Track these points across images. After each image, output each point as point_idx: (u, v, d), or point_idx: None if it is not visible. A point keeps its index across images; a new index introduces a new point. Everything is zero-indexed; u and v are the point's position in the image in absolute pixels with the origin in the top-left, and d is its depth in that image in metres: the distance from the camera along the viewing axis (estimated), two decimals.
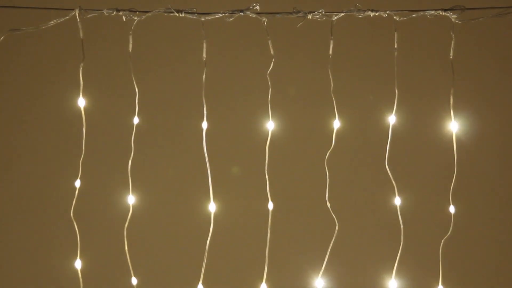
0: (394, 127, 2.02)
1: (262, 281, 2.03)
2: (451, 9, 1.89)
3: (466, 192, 3.05)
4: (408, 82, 3.08)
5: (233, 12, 1.89)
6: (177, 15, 1.88)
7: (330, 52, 1.99)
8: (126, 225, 2.04)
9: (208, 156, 1.96)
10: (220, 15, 1.90)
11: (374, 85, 3.10)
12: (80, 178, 1.99)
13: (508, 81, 3.13)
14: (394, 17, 1.92)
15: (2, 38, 1.87)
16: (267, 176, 1.99)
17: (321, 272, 2.10)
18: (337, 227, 2.03)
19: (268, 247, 2.01)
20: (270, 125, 1.99)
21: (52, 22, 1.88)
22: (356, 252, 3.09)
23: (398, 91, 1.99)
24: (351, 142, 3.06)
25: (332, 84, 1.98)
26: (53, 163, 3.11)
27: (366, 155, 3.11)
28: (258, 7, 1.88)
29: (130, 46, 1.97)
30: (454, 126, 1.97)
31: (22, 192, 3.12)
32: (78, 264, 2.02)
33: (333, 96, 2.00)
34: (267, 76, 1.96)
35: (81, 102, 1.93)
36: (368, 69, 3.13)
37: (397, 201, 2.05)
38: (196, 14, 1.89)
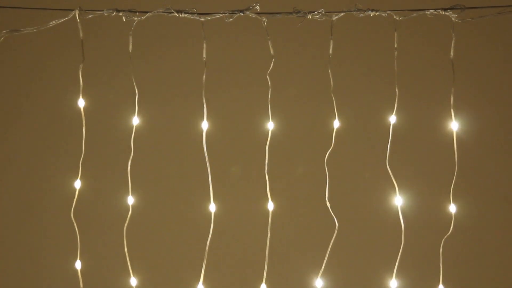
0: (394, 127, 2.02)
1: (262, 281, 2.03)
2: (451, 8, 1.89)
3: (466, 192, 3.04)
4: (408, 82, 3.08)
5: (233, 12, 1.89)
6: (177, 15, 1.88)
7: (330, 52, 1.99)
8: (126, 225, 2.04)
9: (208, 156, 1.96)
10: (220, 15, 1.90)
11: (374, 85, 3.10)
12: (80, 178, 1.99)
13: (508, 81, 3.13)
14: (394, 17, 1.92)
15: (2, 38, 1.87)
16: (267, 176, 1.99)
17: (321, 272, 2.09)
18: (337, 227, 2.03)
19: (268, 247, 2.01)
20: (270, 125, 1.99)
21: (52, 23, 1.88)
22: (356, 252, 3.09)
23: (398, 91, 1.99)
24: (351, 142, 3.06)
25: (332, 84, 1.98)
26: (53, 163, 3.11)
27: (366, 155, 3.11)
28: (258, 7, 1.88)
29: (130, 46, 1.97)
30: (454, 125, 1.97)
31: (22, 192, 3.12)
32: (78, 264, 2.02)
33: (333, 96, 2.00)
34: (267, 76, 1.96)
35: (81, 102, 1.93)
36: (368, 69, 3.13)
37: (398, 200, 2.05)
38: (196, 14, 1.89)
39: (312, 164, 3.07)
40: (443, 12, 1.90)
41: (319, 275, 2.10)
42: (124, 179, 2.06)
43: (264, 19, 1.91)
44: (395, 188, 2.03)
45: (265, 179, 1.99)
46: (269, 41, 1.95)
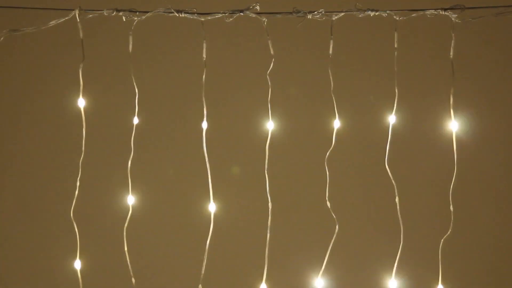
0: (394, 126, 2.02)
1: (262, 281, 2.03)
2: (451, 8, 1.89)
3: (465, 192, 3.05)
4: (408, 82, 3.08)
5: (233, 12, 1.89)
6: (177, 15, 1.88)
7: (330, 52, 1.99)
8: (126, 225, 2.05)
9: (208, 156, 1.96)
10: (220, 15, 1.90)
11: (374, 85, 3.10)
12: (80, 178, 1.99)
13: (508, 81, 3.13)
14: (394, 17, 1.92)
15: (2, 38, 1.87)
16: (267, 176, 1.99)
17: (321, 272, 2.10)
18: (337, 227, 2.04)
19: (268, 247, 2.01)
20: (270, 125, 2.00)
21: (52, 22, 1.88)
22: (356, 252, 3.09)
23: (398, 90, 1.99)
24: (351, 142, 3.06)
25: (332, 84, 1.98)
26: (53, 163, 3.11)
27: (366, 155, 3.11)
28: (258, 7, 1.88)
29: (130, 46, 1.97)
30: (454, 125, 1.97)
31: (22, 192, 3.12)
32: (77, 264, 2.02)
33: (333, 96, 2.00)
34: (267, 76, 1.96)
35: (81, 102, 1.93)
36: (368, 69, 3.13)
37: (397, 200, 2.05)
38: (196, 14, 1.89)
39: (312, 164, 3.07)
40: (443, 12, 1.90)
41: (319, 275, 2.10)
42: (124, 179, 2.06)
43: (264, 19, 1.92)
44: (394, 188, 2.03)
45: (265, 179, 1.99)
46: (269, 41, 1.95)
